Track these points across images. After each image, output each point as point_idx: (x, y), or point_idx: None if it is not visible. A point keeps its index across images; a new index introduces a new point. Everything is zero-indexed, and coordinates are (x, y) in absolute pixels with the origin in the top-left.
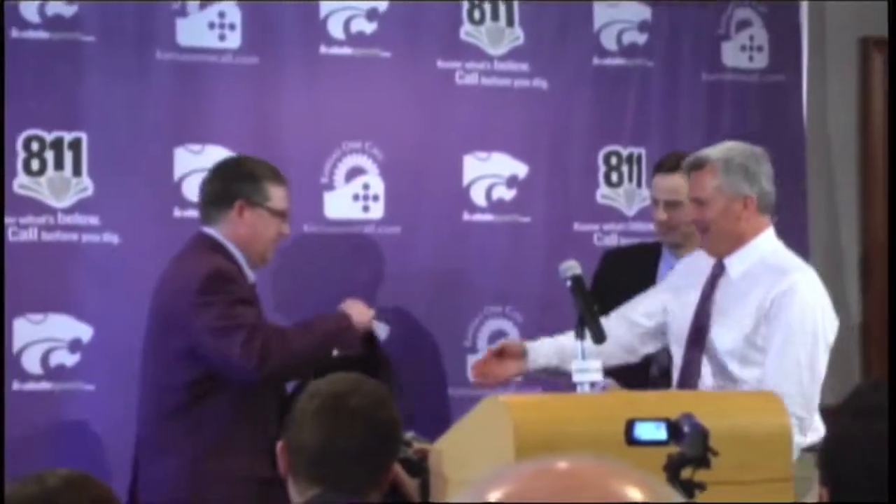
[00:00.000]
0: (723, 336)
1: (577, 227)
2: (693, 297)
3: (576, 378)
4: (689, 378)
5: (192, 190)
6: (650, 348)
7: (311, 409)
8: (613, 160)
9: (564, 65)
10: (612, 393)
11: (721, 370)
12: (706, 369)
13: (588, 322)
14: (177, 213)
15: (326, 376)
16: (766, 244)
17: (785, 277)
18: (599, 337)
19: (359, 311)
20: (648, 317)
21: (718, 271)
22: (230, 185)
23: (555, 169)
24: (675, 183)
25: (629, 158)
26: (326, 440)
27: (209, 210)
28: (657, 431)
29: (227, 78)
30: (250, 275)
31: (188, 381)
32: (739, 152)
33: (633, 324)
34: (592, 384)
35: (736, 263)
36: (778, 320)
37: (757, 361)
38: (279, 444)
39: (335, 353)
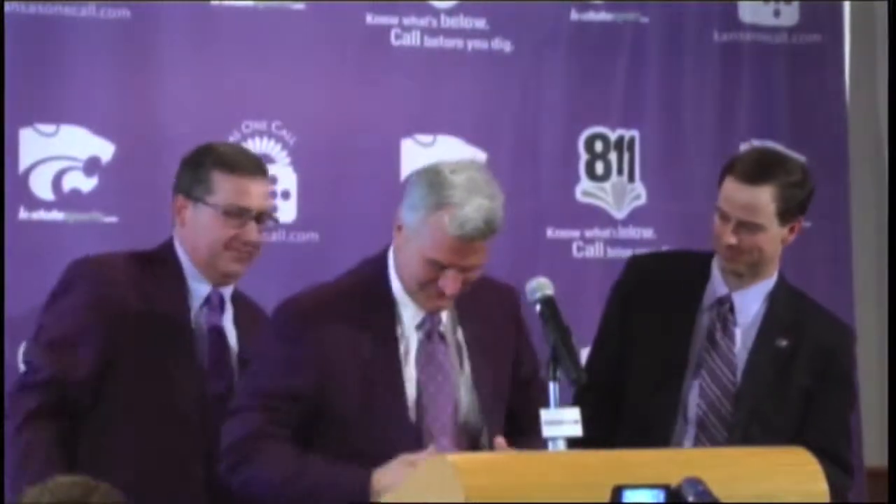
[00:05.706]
0: None
1: (551, 233)
2: None
3: (546, 432)
4: None
5: (42, 184)
6: None
7: None
8: (598, 146)
9: (533, 20)
10: (593, 451)
11: None
12: None
13: (562, 358)
14: (23, 214)
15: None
16: None
17: None
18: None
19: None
20: None
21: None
22: (178, 177)
23: (521, 158)
24: (756, 198)
25: (618, 144)
26: None
27: None
28: (653, 501)
29: (88, 36)
30: (201, 288)
31: None
32: None
33: None
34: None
35: None
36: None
37: None
38: None
39: None
